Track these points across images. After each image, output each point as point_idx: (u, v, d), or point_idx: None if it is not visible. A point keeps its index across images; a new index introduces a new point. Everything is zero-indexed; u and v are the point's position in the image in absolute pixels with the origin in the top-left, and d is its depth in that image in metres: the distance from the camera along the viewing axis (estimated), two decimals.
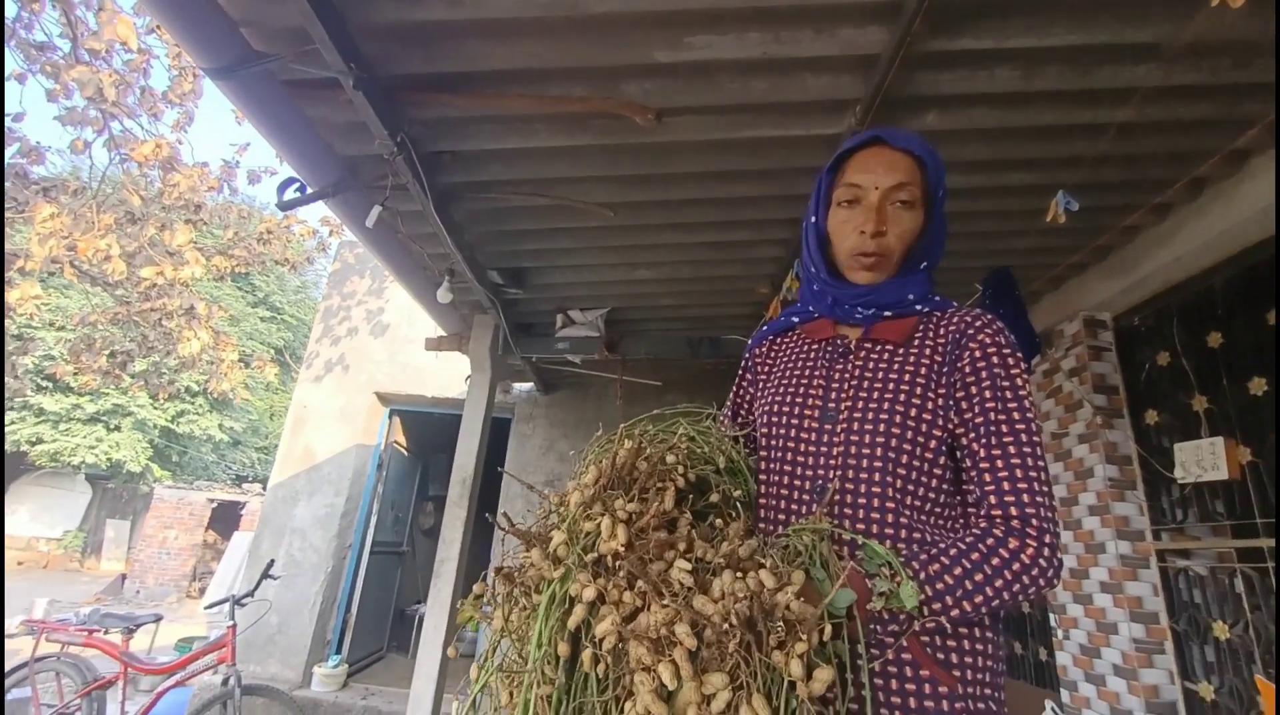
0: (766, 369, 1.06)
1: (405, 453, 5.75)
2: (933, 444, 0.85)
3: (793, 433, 0.91)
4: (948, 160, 2.12)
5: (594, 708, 0.65)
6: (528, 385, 4.93)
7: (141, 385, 5.81)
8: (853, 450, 0.85)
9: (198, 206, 4.62)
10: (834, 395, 0.91)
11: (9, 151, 4.25)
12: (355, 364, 5.32)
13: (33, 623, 3.78)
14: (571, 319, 3.43)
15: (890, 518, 0.82)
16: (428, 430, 5.93)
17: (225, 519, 12.85)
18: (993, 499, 0.79)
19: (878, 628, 0.75)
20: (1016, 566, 0.74)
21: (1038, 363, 3.05)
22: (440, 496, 5.13)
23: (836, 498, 0.84)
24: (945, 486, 0.86)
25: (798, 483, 0.88)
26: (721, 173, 2.23)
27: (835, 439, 0.87)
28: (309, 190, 2.21)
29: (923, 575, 0.74)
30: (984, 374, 0.84)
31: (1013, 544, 0.75)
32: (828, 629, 0.65)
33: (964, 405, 0.84)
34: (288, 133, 1.96)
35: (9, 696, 3.55)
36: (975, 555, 0.75)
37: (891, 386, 0.87)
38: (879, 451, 0.84)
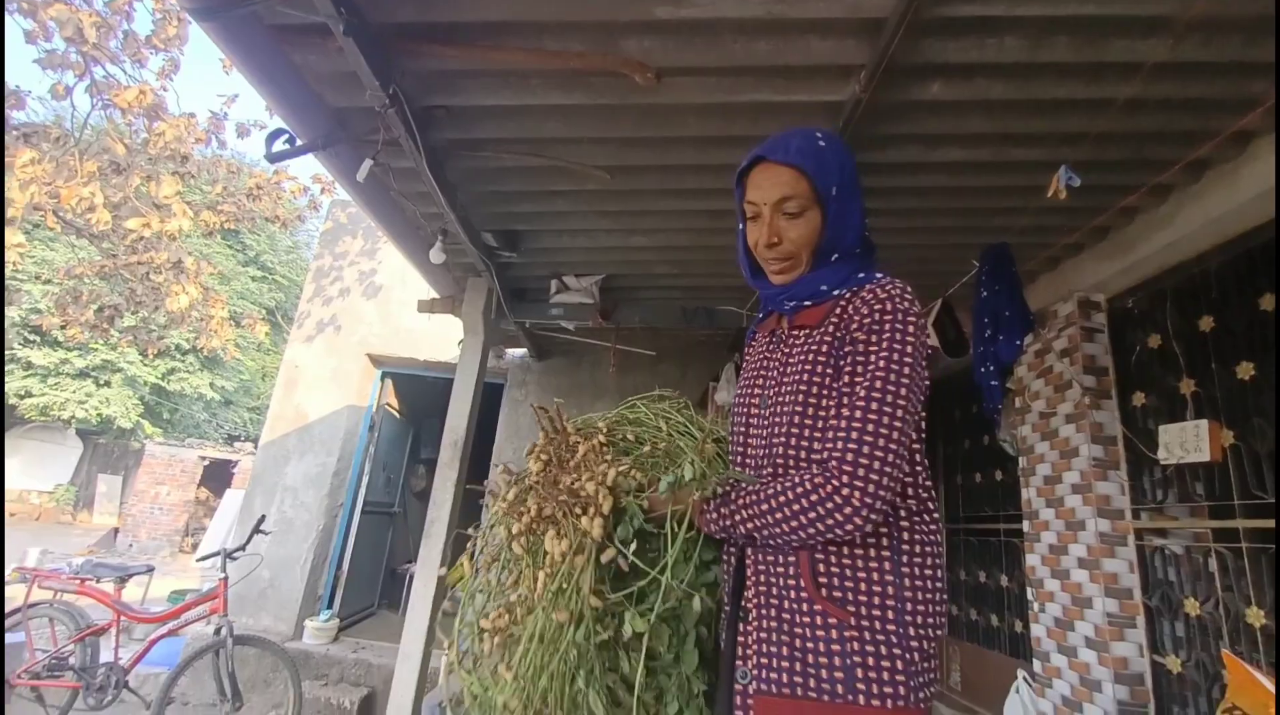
0: (744, 364, 1.18)
1: (397, 415, 5.76)
2: (831, 402, 0.94)
3: (741, 420, 1.08)
4: (950, 133, 2.12)
5: (523, 570, 1.03)
6: (521, 351, 4.92)
7: (130, 340, 5.75)
8: (771, 430, 0.99)
9: (184, 158, 4.50)
10: (767, 382, 1.04)
11: None
12: (347, 325, 5.28)
13: (25, 570, 3.82)
14: (566, 285, 3.40)
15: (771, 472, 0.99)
16: (420, 394, 5.93)
17: (217, 477, 12.91)
18: (823, 447, 0.90)
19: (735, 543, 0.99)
20: (810, 499, 0.85)
21: (1030, 342, 3.05)
22: (432, 459, 5.15)
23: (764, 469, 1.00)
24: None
25: (747, 463, 1.05)
26: (722, 138, 2.18)
27: (764, 420, 1.01)
28: (298, 142, 2.15)
29: (734, 494, 0.95)
30: (859, 336, 0.92)
31: (816, 480, 0.86)
32: (606, 506, 0.98)
33: (845, 372, 0.93)
34: (275, 81, 1.89)
35: (6, 640, 3.61)
36: (780, 486, 0.89)
37: (795, 367, 0.98)
38: (783, 428, 0.96)
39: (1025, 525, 3.18)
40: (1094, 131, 1.96)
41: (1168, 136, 2.06)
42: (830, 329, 0.96)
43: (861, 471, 0.84)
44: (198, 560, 3.97)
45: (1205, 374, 2.43)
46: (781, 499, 0.88)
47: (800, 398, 0.94)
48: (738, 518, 0.93)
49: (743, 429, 1.06)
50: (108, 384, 13.76)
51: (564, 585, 0.94)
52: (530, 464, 1.10)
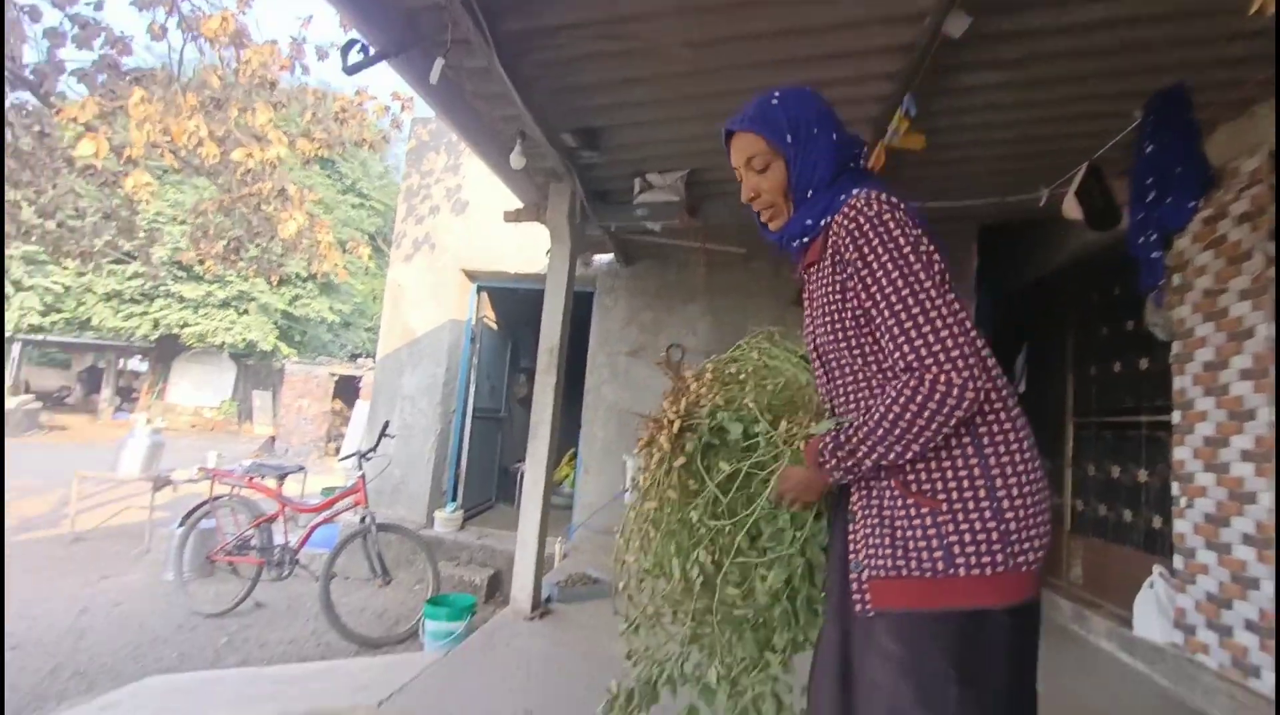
0: None
1: (495, 328, 6.01)
2: (851, 334, 1.03)
3: (813, 359, 1.17)
4: None
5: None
6: (608, 257, 4.87)
7: (255, 270, 6.28)
8: (827, 367, 1.10)
9: (273, 84, 4.60)
10: (809, 322, 1.13)
11: (96, 44, 4.34)
12: (440, 242, 5.44)
13: (207, 470, 4.51)
14: (650, 183, 3.24)
15: (854, 405, 1.06)
16: (514, 306, 6.12)
17: (347, 390, 14.38)
18: (889, 360, 0.96)
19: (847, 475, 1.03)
20: (916, 402, 0.90)
21: (1202, 207, 2.58)
22: (530, 368, 5.39)
23: (825, 400, 1.15)
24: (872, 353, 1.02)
25: (833, 396, 1.14)
26: None
27: (820, 359, 1.12)
28: (372, 51, 2.10)
29: (842, 437, 1.00)
30: (851, 256, 0.98)
31: (911, 385, 0.91)
32: (676, 425, 1.27)
33: (851, 292, 1.00)
34: None
35: (201, 526, 4.34)
36: (884, 409, 0.93)
37: (819, 306, 1.07)
38: (834, 364, 1.07)
39: (1175, 416, 2.86)
40: None
41: None
42: (828, 260, 1.04)
43: (941, 356, 0.90)
44: (339, 461, 4.49)
45: None
46: (891, 416, 0.92)
47: (834, 335, 1.04)
48: (859, 454, 0.97)
49: (819, 367, 1.14)
50: (246, 312, 15.39)
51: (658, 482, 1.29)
52: (665, 406, 1.34)
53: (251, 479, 4.23)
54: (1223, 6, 1.72)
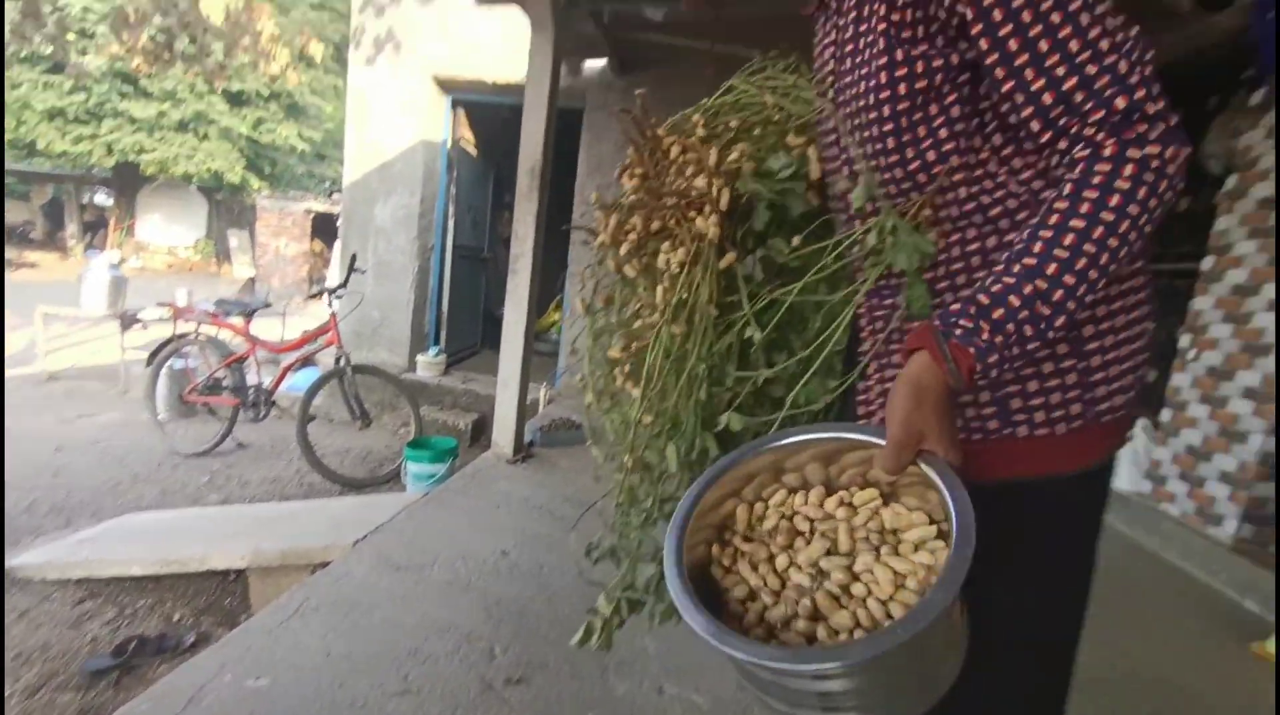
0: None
1: (474, 153, 5.39)
2: (920, 87, 0.63)
3: (822, 125, 0.79)
4: None
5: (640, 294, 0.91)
6: (601, 62, 4.14)
7: (198, 72, 5.42)
8: (846, 139, 0.72)
9: None
10: (831, 74, 0.75)
11: None
12: (406, 41, 4.62)
13: (168, 306, 4.23)
14: None
15: (909, 184, 0.67)
16: (496, 127, 5.44)
17: (326, 229, 13.62)
18: (1040, 118, 0.57)
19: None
20: (1127, 173, 0.53)
21: None
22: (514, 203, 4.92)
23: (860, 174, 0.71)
24: (967, 118, 0.63)
25: (832, 167, 0.78)
26: None
27: (838, 126, 0.73)
28: None
29: (1001, 280, 0.56)
30: None
31: (1108, 151, 0.54)
32: (724, 199, 0.79)
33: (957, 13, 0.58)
34: None
35: (174, 365, 4.15)
36: (1081, 193, 0.54)
37: (858, 44, 0.68)
38: (868, 136, 0.68)
39: (1206, 263, 2.65)
40: None
41: None
42: None
43: (1130, 101, 0.53)
44: (307, 298, 4.20)
45: None
46: (1114, 199, 0.53)
47: (872, 89, 0.65)
48: (1060, 291, 0.54)
49: (833, 146, 0.76)
50: (206, 137, 14.05)
51: (684, 297, 0.80)
52: (625, 183, 0.92)
53: (216, 316, 3.96)
54: None
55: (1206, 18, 2.24)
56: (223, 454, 3.92)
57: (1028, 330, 0.55)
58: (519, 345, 2.97)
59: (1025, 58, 0.55)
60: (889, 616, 0.54)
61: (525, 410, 3.09)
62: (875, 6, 0.64)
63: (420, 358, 4.91)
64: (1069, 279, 0.54)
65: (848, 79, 0.70)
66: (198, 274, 15.19)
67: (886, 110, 0.65)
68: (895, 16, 0.62)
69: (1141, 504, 2.83)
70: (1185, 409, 2.70)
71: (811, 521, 0.64)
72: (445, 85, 4.74)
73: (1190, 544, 2.54)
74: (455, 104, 4.90)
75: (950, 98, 0.63)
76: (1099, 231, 0.53)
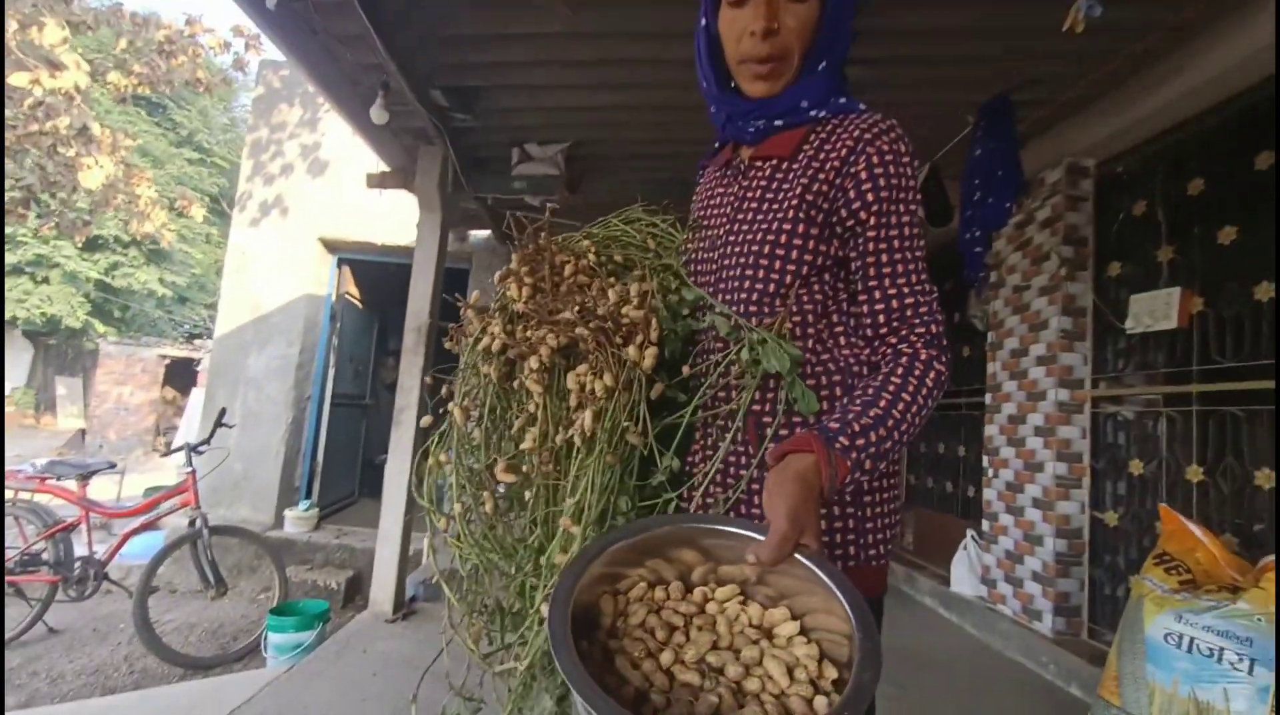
0: (694, 201, 0.99)
1: (359, 305, 5.54)
2: (793, 254, 0.79)
3: (690, 259, 0.91)
4: None
5: (507, 407, 0.89)
6: (485, 233, 4.66)
7: (53, 227, 5.24)
8: (723, 273, 0.84)
9: None
10: (719, 220, 0.88)
11: None
12: (294, 206, 4.89)
13: None
14: (528, 154, 3.12)
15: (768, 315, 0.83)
16: (382, 282, 5.68)
17: (182, 375, 12.60)
18: (884, 317, 0.77)
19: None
20: (932, 377, 0.74)
21: (1014, 212, 2.96)
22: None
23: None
24: (824, 299, 0.82)
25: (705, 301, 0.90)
26: None
27: (713, 264, 0.86)
28: None
29: (861, 419, 0.70)
30: (878, 187, 0.77)
31: (928, 354, 0.75)
32: (654, 331, 0.79)
33: (853, 223, 0.78)
34: None
35: None
36: (905, 379, 0.73)
37: (766, 204, 0.82)
38: (740, 272, 0.82)
39: (988, 398, 3.27)
40: None
41: None
42: (816, 164, 0.80)
43: (938, 329, 0.76)
44: (163, 455, 3.90)
45: (1186, 240, 2.39)
46: (926, 388, 0.73)
47: (756, 234, 0.80)
48: (890, 442, 0.70)
49: (690, 269, 0.90)
50: (46, 281, 12.93)
51: (621, 424, 0.77)
52: (511, 289, 0.88)
53: (45, 480, 3.53)
54: (1044, 26, 1.94)
55: (933, 229, 3.04)
56: (26, 644, 3.33)
57: (868, 464, 0.68)
58: (401, 496, 2.99)
59: (887, 272, 0.77)
60: (788, 712, 0.53)
61: (407, 565, 3.03)
62: (792, 184, 0.80)
63: (289, 512, 4.60)
64: (896, 434, 0.70)
65: (743, 228, 0.83)
66: (10, 427, 13.12)
67: (777, 264, 0.79)
68: (809, 197, 0.79)
69: (982, 607, 3.16)
70: (997, 519, 3.15)
71: (686, 617, 0.61)
72: (332, 246, 5.00)
73: (1023, 639, 2.84)
74: (342, 262, 5.13)
75: (823, 274, 0.81)
76: (915, 406, 0.71)
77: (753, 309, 0.80)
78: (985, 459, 3.29)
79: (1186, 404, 2.35)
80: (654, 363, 0.79)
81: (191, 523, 3.38)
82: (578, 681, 0.47)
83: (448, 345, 0.96)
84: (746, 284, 0.81)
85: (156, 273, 14.52)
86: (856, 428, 0.68)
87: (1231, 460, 2.16)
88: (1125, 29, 2.09)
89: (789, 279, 0.80)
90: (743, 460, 0.80)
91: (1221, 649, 1.77)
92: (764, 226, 0.81)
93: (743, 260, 0.81)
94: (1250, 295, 2.13)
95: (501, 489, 0.87)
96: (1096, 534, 2.72)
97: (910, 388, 0.72)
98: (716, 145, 0.96)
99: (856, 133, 0.79)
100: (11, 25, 3.58)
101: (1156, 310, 2.41)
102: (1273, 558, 1.77)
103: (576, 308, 0.83)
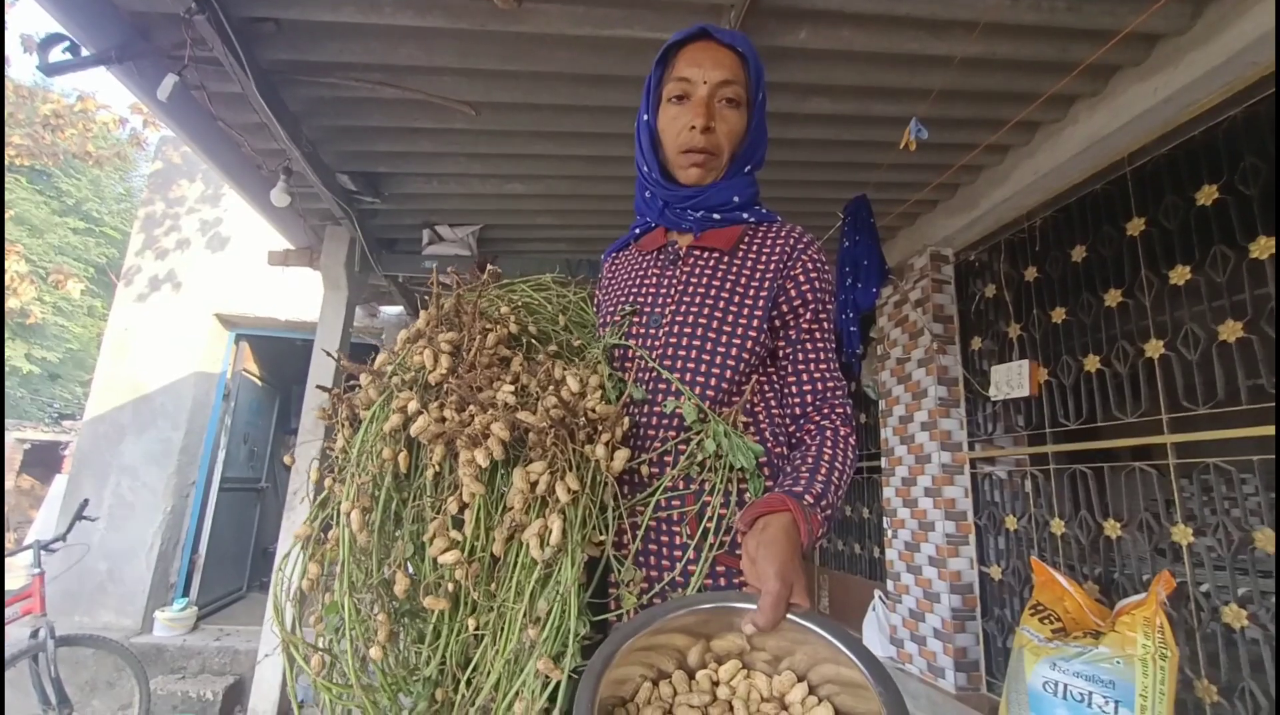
0: (607, 284, 1.05)
1: (258, 382, 5.23)
2: (749, 344, 0.88)
3: (631, 336, 0.94)
4: (818, 83, 2.15)
5: (424, 505, 0.75)
6: (397, 309, 4.60)
7: None
8: (670, 351, 0.88)
9: None
10: (660, 301, 0.93)
11: None
12: (189, 281, 4.65)
13: None
14: (440, 236, 3.17)
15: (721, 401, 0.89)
16: (285, 357, 5.41)
17: (44, 462, 11.19)
18: (811, 397, 0.89)
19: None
20: (853, 447, 0.86)
21: (890, 293, 3.28)
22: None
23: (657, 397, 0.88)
24: (758, 385, 0.92)
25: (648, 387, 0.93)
26: (594, 76, 2.08)
27: (657, 342, 0.90)
28: (84, 52, 1.79)
29: (818, 483, 0.77)
30: (813, 289, 0.91)
31: (847, 428, 0.87)
32: (625, 423, 0.78)
33: (790, 318, 0.91)
34: None
35: None
36: (835, 448, 0.83)
37: (714, 292, 0.90)
38: (694, 354, 0.87)
39: (883, 462, 3.48)
40: (941, 88, 2.07)
41: (1005, 96, 2.22)
42: (758, 262, 0.91)
43: (850, 409, 0.90)
44: (8, 556, 3.41)
45: (1028, 319, 2.73)
46: (850, 458, 0.84)
47: (716, 324, 0.88)
48: (836, 502, 0.78)
49: (632, 357, 0.93)
50: None
51: (592, 531, 0.71)
52: (421, 356, 0.77)
53: None
54: (891, 140, 2.25)
55: None
56: None
57: (826, 525, 0.75)
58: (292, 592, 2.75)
59: (814, 358, 0.91)
60: None
61: (295, 668, 2.75)
62: (738, 277, 0.90)
63: (160, 614, 4.09)
64: (837, 498, 0.78)
65: (692, 313, 0.89)
66: None
67: (734, 351, 0.87)
68: (763, 293, 0.90)
69: (892, 667, 3.24)
70: (899, 578, 3.27)
71: (702, 710, 0.59)
72: (230, 322, 4.77)
73: (930, 697, 2.90)
74: (240, 338, 4.88)
75: (765, 362, 0.92)
76: (844, 474, 0.81)
77: (710, 394, 0.85)
78: (885, 520, 3.45)
79: (1045, 463, 2.61)
80: (622, 467, 0.74)
81: (34, 633, 2.93)
82: None
83: (318, 416, 0.86)
84: (704, 368, 0.86)
85: (24, 347, 13.11)
86: (817, 490, 0.74)
87: (1085, 513, 2.41)
88: (952, 147, 2.46)
89: (743, 367, 0.86)
90: (676, 540, 0.80)
91: (1090, 693, 1.91)
92: (718, 315, 0.88)
93: (698, 343, 0.87)
94: (1081, 366, 2.45)
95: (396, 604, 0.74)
96: (985, 588, 2.89)
97: (840, 457, 0.82)
98: (637, 232, 1.03)
99: (791, 241, 0.93)
100: None
101: (1012, 380, 2.71)
102: (1126, 602, 1.96)
103: (511, 389, 0.74)
